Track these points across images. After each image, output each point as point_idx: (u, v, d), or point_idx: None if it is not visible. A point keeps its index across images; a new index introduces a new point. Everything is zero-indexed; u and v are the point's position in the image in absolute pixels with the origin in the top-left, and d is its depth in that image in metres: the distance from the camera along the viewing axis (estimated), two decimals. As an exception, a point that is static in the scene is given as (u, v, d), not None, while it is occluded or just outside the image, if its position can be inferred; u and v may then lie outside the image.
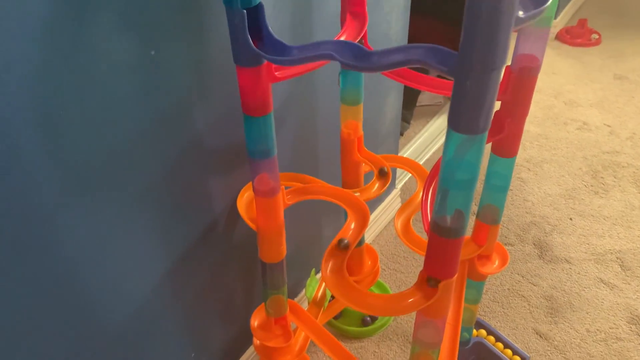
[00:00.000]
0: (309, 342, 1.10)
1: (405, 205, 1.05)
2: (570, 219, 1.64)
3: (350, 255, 1.29)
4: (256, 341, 1.09)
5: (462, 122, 0.56)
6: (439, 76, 0.90)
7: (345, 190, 0.92)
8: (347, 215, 1.16)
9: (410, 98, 2.03)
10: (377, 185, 1.05)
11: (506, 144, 0.89)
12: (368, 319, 1.35)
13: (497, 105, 0.65)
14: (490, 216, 0.99)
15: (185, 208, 0.89)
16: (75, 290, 0.76)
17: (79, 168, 0.69)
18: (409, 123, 2.00)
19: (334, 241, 0.80)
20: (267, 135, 0.76)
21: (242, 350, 1.22)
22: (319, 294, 1.21)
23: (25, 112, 0.60)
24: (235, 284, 1.09)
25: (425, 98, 2.16)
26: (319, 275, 1.31)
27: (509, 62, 0.80)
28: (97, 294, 0.79)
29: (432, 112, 2.10)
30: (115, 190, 0.75)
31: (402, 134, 1.96)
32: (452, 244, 0.66)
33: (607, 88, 2.29)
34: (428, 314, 0.74)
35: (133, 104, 0.72)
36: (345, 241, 0.78)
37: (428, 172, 1.09)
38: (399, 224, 1.02)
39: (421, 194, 0.81)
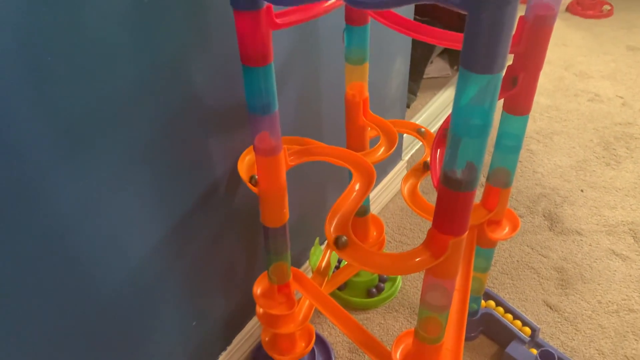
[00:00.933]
0: (313, 311, 1.07)
1: (412, 170, 1.01)
2: (581, 190, 1.60)
3: (355, 224, 1.26)
4: (259, 309, 1.06)
5: (476, 60, 0.52)
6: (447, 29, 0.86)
7: (350, 151, 0.88)
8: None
9: (416, 69, 1.98)
10: (382, 149, 1.01)
11: (519, 100, 0.85)
12: (374, 290, 1.32)
13: (510, 59, 0.61)
14: (501, 179, 0.95)
15: (184, 169, 0.85)
16: (68, 250, 0.73)
17: (69, 122, 0.65)
18: (415, 95, 1.95)
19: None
20: (267, 88, 0.73)
21: (245, 320, 1.19)
22: (323, 264, 1.18)
23: (10, 60, 0.57)
24: (238, 250, 1.06)
25: (432, 70, 2.11)
26: (323, 245, 1.28)
27: (522, 13, 0.76)
28: (91, 254, 0.76)
29: (439, 85, 2.05)
30: (109, 147, 0.72)
31: (408, 106, 1.91)
32: (463, 197, 0.62)
33: (620, 59, 2.23)
34: (437, 274, 0.71)
35: (125, 54, 0.69)
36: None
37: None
38: (405, 189, 0.98)
39: (431, 149, 0.77)
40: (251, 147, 0.95)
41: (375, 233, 1.27)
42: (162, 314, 0.94)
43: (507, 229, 1.02)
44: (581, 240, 1.45)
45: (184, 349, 1.04)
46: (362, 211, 1.21)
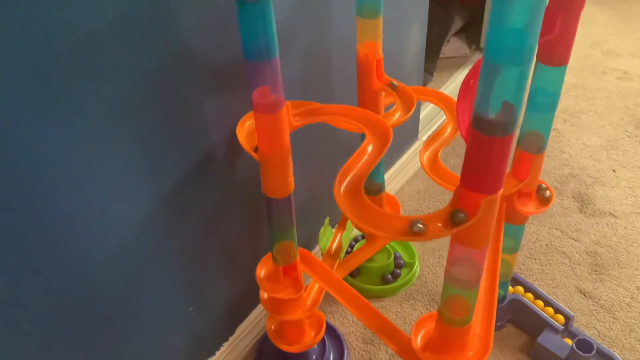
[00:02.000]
0: (322, 296, 0.97)
1: (432, 137, 0.91)
2: (613, 170, 1.48)
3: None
4: (263, 294, 0.96)
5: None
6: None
7: (362, 109, 0.78)
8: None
9: (432, 48, 1.87)
10: (398, 113, 0.91)
11: (556, 48, 0.74)
12: (389, 276, 1.21)
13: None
14: (534, 143, 0.84)
15: (175, 131, 0.76)
16: (45, 222, 0.63)
17: (39, 69, 0.56)
18: (432, 75, 1.85)
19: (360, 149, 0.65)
20: (266, 28, 0.63)
21: (250, 308, 1.09)
22: (334, 246, 1.08)
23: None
24: (239, 230, 0.96)
25: (449, 50, 2.00)
26: (334, 228, 1.17)
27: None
28: (74, 227, 0.66)
29: (456, 64, 1.94)
30: (85, 100, 0.62)
31: (424, 86, 1.80)
32: (498, 144, 0.52)
33: (649, 37, 2.11)
34: (465, 242, 0.60)
35: (101, -13, 0.59)
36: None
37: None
38: (425, 157, 0.88)
39: (457, 96, 0.67)
40: (252, 112, 0.85)
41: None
42: (154, 297, 0.85)
43: (538, 202, 0.91)
44: (615, 222, 1.33)
45: (182, 337, 0.94)
46: (377, 188, 1.11)
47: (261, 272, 0.93)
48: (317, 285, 0.99)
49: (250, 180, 0.92)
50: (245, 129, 0.84)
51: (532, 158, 0.85)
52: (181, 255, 0.86)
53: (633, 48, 2.03)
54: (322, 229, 1.03)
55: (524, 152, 0.85)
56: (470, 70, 0.66)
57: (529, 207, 0.89)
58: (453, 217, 0.57)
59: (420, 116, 1.55)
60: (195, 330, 0.97)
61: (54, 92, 0.59)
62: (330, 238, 1.07)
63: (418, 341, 0.75)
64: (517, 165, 0.87)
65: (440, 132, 0.92)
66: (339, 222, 1.12)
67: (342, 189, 0.62)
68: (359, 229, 0.85)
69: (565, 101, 1.76)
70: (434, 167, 0.86)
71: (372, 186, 1.11)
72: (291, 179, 0.79)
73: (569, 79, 1.87)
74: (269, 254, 0.92)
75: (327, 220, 1.05)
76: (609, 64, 1.94)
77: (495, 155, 0.52)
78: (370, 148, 0.70)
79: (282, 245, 0.88)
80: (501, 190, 0.56)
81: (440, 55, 1.96)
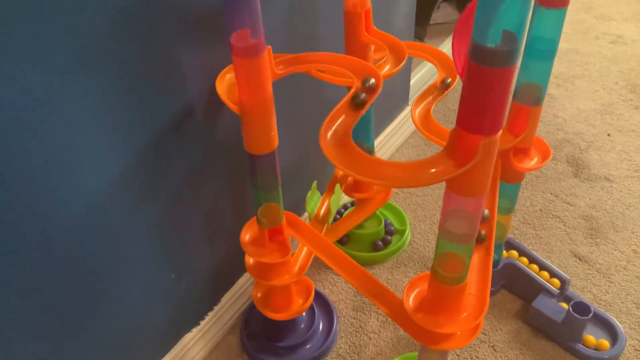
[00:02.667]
0: (310, 260, 0.93)
1: (424, 93, 0.86)
2: (608, 134, 1.44)
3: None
4: (248, 259, 0.92)
5: None
6: None
7: (349, 56, 0.73)
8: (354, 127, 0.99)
9: (423, 14, 1.82)
10: (388, 66, 0.86)
11: (556, -13, 0.69)
12: (380, 243, 1.17)
13: None
14: (531, 95, 0.80)
15: (150, 83, 0.70)
16: (7, 185, 0.58)
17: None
18: (422, 40, 1.79)
19: (347, 97, 0.61)
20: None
21: (236, 277, 1.05)
22: (322, 211, 1.03)
23: None
24: (222, 190, 0.91)
25: (439, 16, 1.94)
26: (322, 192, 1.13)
27: None
28: (41, 182, 0.61)
29: (447, 31, 1.89)
30: (42, 42, 0.57)
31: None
32: (499, 76, 0.47)
33: (643, 1, 2.06)
34: (461, 190, 0.56)
35: None
36: (362, 95, 0.59)
37: (455, 68, 0.90)
38: (417, 113, 0.83)
39: (453, 33, 0.62)
40: (232, 65, 0.80)
41: (381, 179, 1.12)
42: (131, 263, 0.80)
43: (535, 159, 0.87)
44: (611, 186, 1.30)
45: (164, 305, 0.90)
46: (366, 150, 1.06)
47: (246, 236, 0.89)
48: (304, 250, 0.95)
49: (232, 138, 0.87)
50: (225, 82, 0.79)
51: (528, 111, 0.81)
52: (159, 218, 0.81)
53: (626, 13, 1.99)
54: (309, 193, 0.99)
55: (520, 105, 0.81)
56: (467, 6, 0.61)
57: (525, 163, 0.85)
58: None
59: (411, 82, 1.50)
60: (178, 299, 0.92)
61: (15, 32, 0.53)
62: (318, 202, 1.02)
63: (410, 302, 0.72)
64: (513, 119, 0.83)
65: (432, 87, 0.87)
66: (328, 187, 1.08)
67: (328, 136, 0.57)
68: (347, 173, 0.81)
69: (558, 66, 1.71)
70: (426, 123, 0.82)
71: (361, 149, 1.06)
72: (275, 134, 0.74)
73: (561, 44, 1.82)
74: (255, 217, 0.88)
75: (314, 184, 1.00)
76: (602, 29, 1.89)
77: (495, 90, 0.48)
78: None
79: (267, 207, 0.83)
80: (500, 132, 0.52)
81: (431, 22, 1.90)
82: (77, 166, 0.66)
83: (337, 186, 1.04)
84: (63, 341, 0.74)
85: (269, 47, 0.67)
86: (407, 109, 1.46)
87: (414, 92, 1.56)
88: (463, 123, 0.52)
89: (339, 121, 0.60)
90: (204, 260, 0.95)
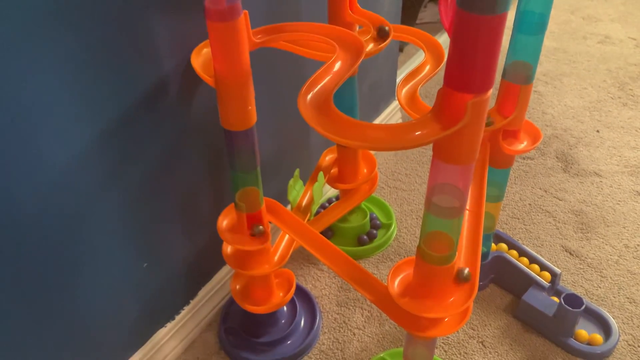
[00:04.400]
0: (291, 250, 0.89)
1: (411, 74, 0.82)
2: (597, 131, 1.42)
3: (342, 157, 1.07)
4: (226, 248, 0.87)
5: None
6: None
7: (331, 25, 0.69)
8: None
9: (410, 14, 1.80)
10: (372, 44, 0.83)
11: (547, -45, 0.66)
12: (365, 237, 1.13)
13: None
14: (521, 73, 0.77)
15: (120, 55, 0.66)
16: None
17: None
18: (409, 38, 1.77)
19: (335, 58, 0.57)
20: None
21: (214, 269, 1.00)
22: (305, 200, 0.99)
23: None
24: (198, 173, 0.87)
25: (426, 15, 1.92)
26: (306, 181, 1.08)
27: None
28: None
29: (434, 30, 1.86)
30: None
31: (402, 50, 1.73)
32: (488, 24, 0.44)
33: (629, 2, 2.06)
34: (448, 156, 0.52)
35: None
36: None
37: (442, 50, 0.87)
38: (403, 93, 0.80)
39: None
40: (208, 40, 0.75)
41: (365, 170, 1.08)
42: (99, 250, 0.75)
43: (525, 142, 0.84)
44: (601, 181, 1.27)
45: (135, 297, 0.85)
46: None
47: (223, 222, 0.84)
48: (285, 239, 0.90)
49: (210, 118, 0.83)
50: (202, 56, 0.75)
51: (518, 90, 0.78)
52: (129, 200, 0.76)
53: (613, 14, 1.99)
54: (291, 181, 0.95)
55: (509, 84, 0.78)
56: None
57: (515, 146, 0.82)
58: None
59: (397, 80, 1.47)
60: (151, 291, 0.87)
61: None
62: (301, 191, 0.98)
63: (395, 287, 0.67)
64: (503, 99, 0.79)
65: (418, 68, 0.84)
66: (311, 176, 1.04)
67: (307, 99, 0.53)
68: (330, 138, 0.76)
69: (546, 65, 1.70)
70: (412, 103, 0.78)
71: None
72: (252, 109, 0.70)
73: (549, 42, 1.81)
74: (233, 204, 0.83)
75: (297, 172, 0.96)
76: (589, 29, 1.89)
77: (485, 40, 0.44)
78: (339, 64, 0.62)
79: (245, 191, 0.79)
80: (490, 92, 0.48)
81: (417, 21, 1.88)
82: (41, 142, 0.61)
83: (321, 174, 1.00)
84: (22, 336, 0.69)
85: (246, 11, 0.63)
86: (394, 103, 1.43)
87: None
88: (451, 81, 0.48)
89: (319, 86, 0.56)
90: (180, 249, 0.90)
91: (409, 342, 0.75)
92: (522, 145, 0.83)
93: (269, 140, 1.00)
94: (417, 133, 0.49)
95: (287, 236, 0.91)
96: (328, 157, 1.08)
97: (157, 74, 0.72)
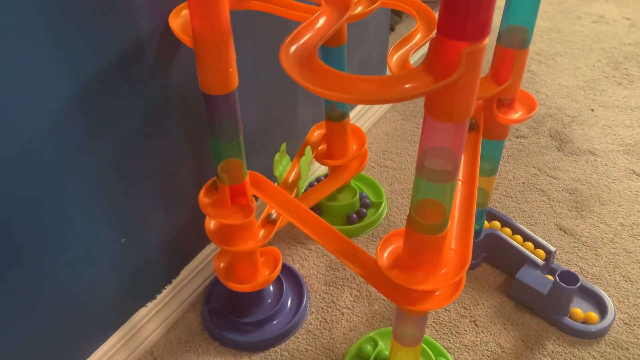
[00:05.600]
0: (277, 225, 0.85)
1: (401, 41, 0.79)
2: (592, 110, 1.39)
3: (330, 132, 1.04)
4: (209, 223, 0.84)
5: None
6: None
7: (317, -18, 0.65)
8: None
9: None
10: (360, 7, 0.79)
11: None
12: (354, 216, 1.10)
13: None
14: (517, 38, 0.73)
15: (93, 15, 0.62)
16: None
17: None
18: (401, 17, 1.73)
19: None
20: None
21: (197, 248, 0.97)
22: (292, 176, 0.95)
23: None
24: (179, 146, 0.83)
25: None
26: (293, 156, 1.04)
27: None
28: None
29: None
30: None
31: (393, 29, 1.69)
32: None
33: (623, -16, 2.03)
34: (441, 112, 0.49)
35: None
36: None
37: (434, 17, 0.83)
38: (393, 60, 0.76)
39: None
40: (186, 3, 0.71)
41: (355, 146, 1.05)
42: (73, 224, 0.71)
43: (520, 112, 0.80)
44: (595, 160, 1.24)
45: (114, 275, 0.81)
46: (339, 115, 0.99)
47: (205, 195, 0.80)
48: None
49: (190, 84, 0.79)
50: (181, 18, 0.71)
51: (514, 55, 0.74)
52: (105, 170, 0.72)
53: (608, -6, 1.96)
54: (277, 155, 0.91)
55: (504, 49, 0.74)
56: None
57: (510, 116, 0.79)
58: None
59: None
60: (131, 268, 0.84)
61: None
62: (288, 166, 0.94)
63: (384, 258, 0.64)
64: (497, 65, 0.76)
65: (410, 36, 0.80)
66: (298, 152, 1.00)
67: (290, 51, 0.49)
68: (314, 91, 0.72)
69: (539, 44, 1.66)
70: (403, 71, 0.75)
71: (334, 112, 0.99)
72: (234, 71, 0.66)
73: (543, 22, 1.78)
74: (215, 177, 0.79)
75: (283, 146, 0.92)
76: (583, 9, 1.85)
77: (481, -22, 0.41)
78: (323, 19, 0.58)
79: (227, 163, 0.75)
80: (487, 40, 0.45)
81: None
82: (4, 100, 0.57)
83: (308, 148, 0.96)
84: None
85: (225, -36, 0.59)
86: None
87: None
88: (444, 28, 0.44)
89: (303, 40, 0.52)
90: (160, 225, 0.86)
91: (399, 319, 0.72)
92: (518, 114, 0.80)
93: (253, 114, 0.96)
94: (407, 85, 0.45)
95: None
96: (316, 133, 1.05)
97: (133, 35, 0.68)
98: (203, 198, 0.80)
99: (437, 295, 0.65)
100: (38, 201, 0.65)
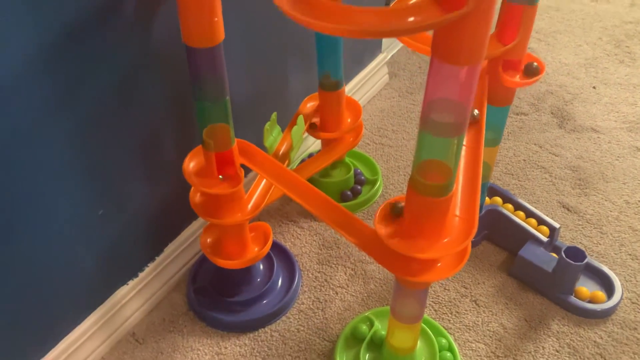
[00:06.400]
0: (266, 198, 0.80)
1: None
2: (594, 87, 1.35)
3: (324, 102, 0.98)
4: (194, 195, 0.78)
5: None
6: None
7: None
8: (320, 54, 0.88)
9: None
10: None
11: None
12: (349, 193, 1.05)
13: None
14: (525, -10, 0.68)
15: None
16: None
17: None
18: (388, 4, 1.67)
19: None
20: None
21: (183, 224, 0.91)
22: (283, 147, 0.90)
23: None
24: (162, 108, 0.77)
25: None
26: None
27: None
28: None
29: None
30: None
31: (387, 4, 1.63)
32: None
33: (623, -37, 1.98)
34: (449, 53, 0.43)
35: None
36: None
37: None
38: None
39: None
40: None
41: (349, 119, 0.99)
42: (45, 188, 0.65)
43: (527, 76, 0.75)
44: (598, 137, 1.20)
45: (91, 249, 0.75)
46: (333, 84, 0.93)
47: (190, 164, 0.75)
48: (261, 187, 0.81)
49: (174, 40, 0.72)
50: (161, -33, 0.65)
51: (521, 12, 0.69)
52: (77, 135, 0.66)
53: (607, -26, 1.91)
54: (267, 125, 0.85)
55: (511, 5, 0.69)
56: None
57: (517, 78, 0.74)
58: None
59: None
60: (109, 243, 0.78)
61: None
62: (279, 137, 0.89)
63: (384, 226, 0.59)
64: (503, 23, 0.71)
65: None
66: (290, 123, 0.94)
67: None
68: (309, 26, 0.67)
69: (539, 22, 1.62)
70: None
71: (327, 81, 0.93)
72: (219, 22, 0.60)
73: (542, 1, 1.73)
74: (201, 146, 0.74)
75: (274, 115, 0.87)
76: (583, -12, 1.81)
77: None
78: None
79: (213, 128, 0.70)
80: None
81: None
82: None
83: (301, 117, 0.91)
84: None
85: None
86: (380, 57, 1.34)
87: (390, 43, 1.44)
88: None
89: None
90: (142, 197, 0.80)
91: (398, 294, 0.67)
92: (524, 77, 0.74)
93: (241, 80, 0.91)
94: (413, 17, 0.40)
95: (263, 183, 0.82)
96: (309, 105, 0.99)
97: (108, -15, 0.62)
98: (188, 166, 0.74)
99: (440, 267, 0.60)
100: (3, 164, 0.59)
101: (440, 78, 0.46)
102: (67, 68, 0.61)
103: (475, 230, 0.57)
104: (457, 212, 0.59)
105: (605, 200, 1.05)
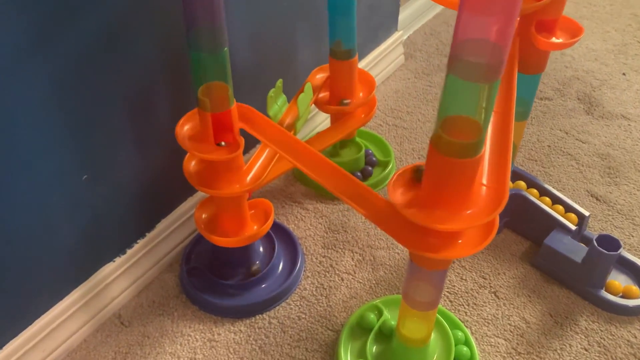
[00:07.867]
0: (268, 170, 0.72)
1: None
2: (624, 74, 1.26)
3: (335, 70, 0.90)
4: (188, 163, 0.71)
5: None
6: None
7: None
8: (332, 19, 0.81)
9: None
10: None
11: None
12: (359, 174, 0.97)
13: None
14: (566, -64, 0.60)
15: None
16: None
17: None
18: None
19: None
20: None
21: (177, 200, 0.84)
22: (288, 118, 0.82)
23: None
24: (153, 65, 0.70)
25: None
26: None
27: None
28: None
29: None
30: None
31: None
32: None
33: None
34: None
35: None
36: None
37: None
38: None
39: None
40: None
41: (362, 93, 0.92)
42: (21, 148, 0.58)
43: (562, 39, 0.67)
44: (629, 125, 1.11)
45: (74, 218, 0.68)
46: (344, 53, 0.86)
47: (184, 127, 0.68)
48: (263, 157, 0.74)
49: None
50: None
51: (561, -38, 0.61)
52: (57, 84, 0.59)
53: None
54: (271, 92, 0.77)
55: (550, -46, 0.61)
56: None
57: (552, 40, 0.66)
58: None
59: (403, 15, 1.29)
60: (94, 213, 0.71)
61: None
62: (284, 107, 0.81)
63: (399, 195, 0.51)
64: (540, -25, 0.63)
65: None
66: (297, 92, 0.87)
67: None
68: None
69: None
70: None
71: (339, 49, 0.86)
72: (218, -42, 0.53)
73: (567, -13, 1.64)
74: (197, 109, 0.66)
75: (279, 82, 0.79)
76: (611, -25, 1.72)
77: None
78: None
79: (210, 86, 0.62)
80: None
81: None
82: None
83: (309, 85, 0.83)
84: None
85: None
86: (396, 35, 1.26)
87: (408, 21, 1.36)
88: None
89: None
90: (132, 164, 0.73)
91: (412, 276, 0.59)
92: (560, 40, 0.66)
93: (245, 49, 0.83)
94: None
95: (266, 153, 0.74)
96: (319, 76, 0.92)
97: None
98: (181, 129, 0.67)
99: (461, 243, 0.52)
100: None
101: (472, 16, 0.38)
102: (45, 10, 0.54)
103: (506, 201, 0.49)
104: (484, 181, 0.52)
105: (638, 190, 0.97)
